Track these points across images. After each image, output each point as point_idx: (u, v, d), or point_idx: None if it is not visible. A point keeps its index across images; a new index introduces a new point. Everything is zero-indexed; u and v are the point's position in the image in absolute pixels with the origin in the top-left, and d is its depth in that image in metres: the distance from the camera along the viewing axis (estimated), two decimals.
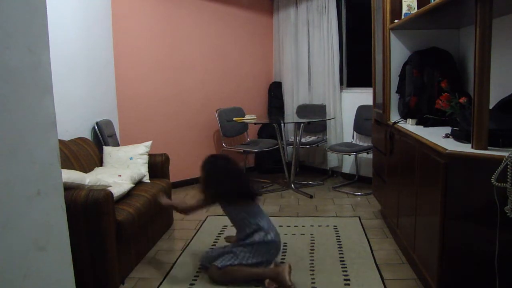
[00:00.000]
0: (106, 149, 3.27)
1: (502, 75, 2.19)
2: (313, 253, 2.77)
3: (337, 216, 3.53)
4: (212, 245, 2.94)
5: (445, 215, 1.82)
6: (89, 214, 2.21)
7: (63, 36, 3.07)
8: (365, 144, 4.42)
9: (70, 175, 2.28)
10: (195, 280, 2.45)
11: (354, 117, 4.57)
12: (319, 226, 3.28)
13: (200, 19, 4.68)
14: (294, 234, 3.13)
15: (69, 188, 2.23)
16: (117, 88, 4.06)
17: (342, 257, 2.68)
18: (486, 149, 1.76)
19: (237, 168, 2.57)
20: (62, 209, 1.18)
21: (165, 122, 4.47)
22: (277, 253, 2.44)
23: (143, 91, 4.28)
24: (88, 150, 3.08)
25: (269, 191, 4.36)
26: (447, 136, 2.14)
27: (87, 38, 3.49)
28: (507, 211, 1.54)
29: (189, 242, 3.02)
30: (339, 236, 3.05)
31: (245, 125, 4.95)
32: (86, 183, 2.33)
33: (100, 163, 3.19)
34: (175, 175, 4.10)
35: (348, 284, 2.33)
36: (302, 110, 5.05)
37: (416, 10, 2.69)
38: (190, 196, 4.29)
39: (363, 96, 4.37)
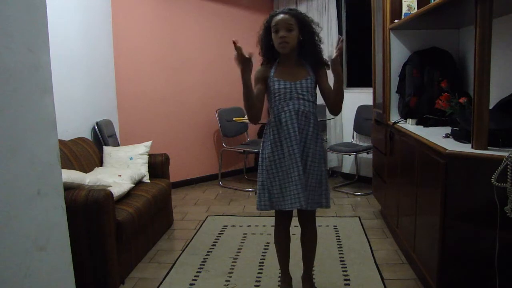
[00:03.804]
0: (106, 149, 3.27)
1: (502, 75, 2.19)
2: None
3: (337, 216, 3.53)
4: (212, 245, 2.95)
5: (445, 215, 1.82)
6: (89, 214, 2.21)
7: (63, 36, 3.07)
8: (365, 144, 4.42)
9: (70, 175, 2.28)
10: (195, 280, 2.45)
11: (354, 117, 4.57)
12: (319, 226, 3.27)
13: (200, 19, 4.68)
14: (294, 234, 3.11)
15: (69, 188, 2.24)
16: (117, 88, 4.06)
17: (342, 257, 2.68)
18: (486, 149, 1.76)
19: None
20: (62, 209, 1.18)
21: (165, 122, 4.47)
22: None
23: (143, 91, 4.28)
24: (88, 150, 3.08)
25: None
26: (447, 136, 2.14)
27: (87, 38, 3.49)
28: (507, 211, 1.54)
29: (189, 242, 3.02)
30: (339, 236, 3.04)
31: (245, 125, 4.95)
32: (86, 183, 2.33)
33: (100, 163, 3.19)
34: (175, 175, 4.10)
35: (348, 284, 2.33)
36: None
37: (416, 10, 2.69)
38: (190, 196, 4.29)
39: (363, 96, 4.37)
